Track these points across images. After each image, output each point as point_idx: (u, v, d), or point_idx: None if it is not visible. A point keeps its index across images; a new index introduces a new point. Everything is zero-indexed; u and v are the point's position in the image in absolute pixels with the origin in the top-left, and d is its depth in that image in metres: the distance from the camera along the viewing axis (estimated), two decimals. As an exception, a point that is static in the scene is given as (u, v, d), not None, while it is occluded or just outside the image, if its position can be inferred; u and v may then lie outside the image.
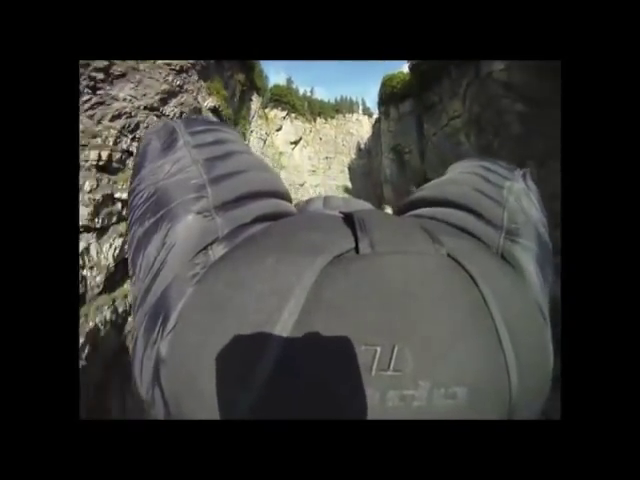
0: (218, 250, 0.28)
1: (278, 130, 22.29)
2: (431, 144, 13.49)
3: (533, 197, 0.37)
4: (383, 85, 18.00)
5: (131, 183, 0.34)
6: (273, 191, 0.34)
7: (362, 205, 0.45)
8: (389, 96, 17.15)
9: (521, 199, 0.35)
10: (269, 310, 0.23)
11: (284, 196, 0.36)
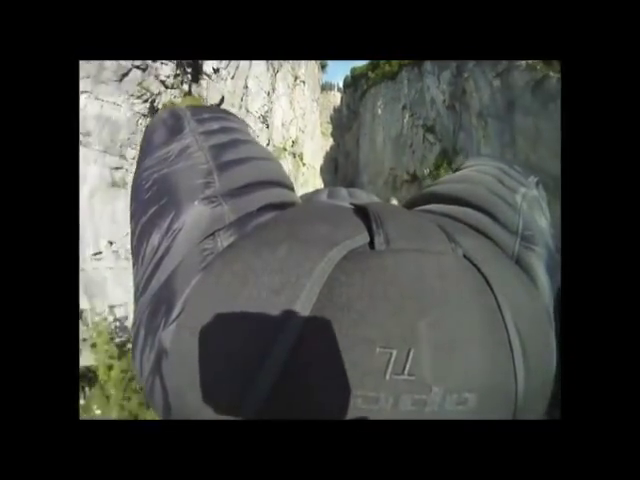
0: (225, 237, 0.27)
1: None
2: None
3: (544, 206, 0.37)
4: (344, 84, 33.50)
5: (136, 170, 0.34)
6: (278, 180, 0.34)
7: (368, 197, 0.45)
8: (345, 85, 32.09)
9: (533, 208, 0.35)
10: (279, 304, 0.22)
11: (288, 186, 0.35)
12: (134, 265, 0.30)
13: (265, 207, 0.30)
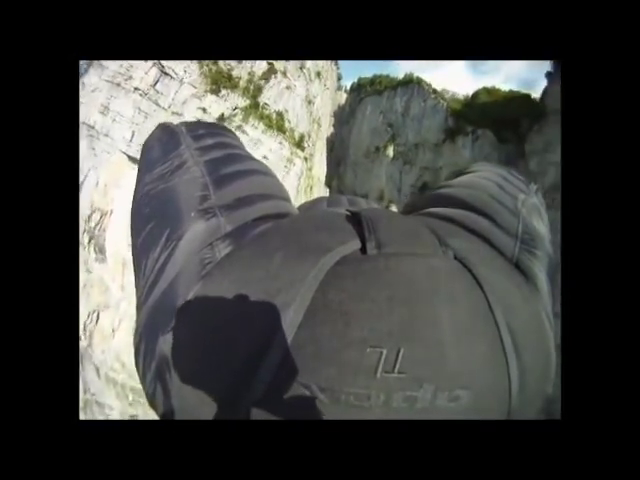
0: (223, 247, 0.28)
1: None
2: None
3: (543, 212, 0.38)
4: (350, 88, 41.17)
5: (135, 187, 0.34)
6: (272, 193, 0.35)
7: (367, 204, 0.45)
8: (351, 89, 40.32)
9: (532, 213, 0.36)
10: (275, 308, 0.23)
11: (283, 197, 0.36)
12: (136, 277, 0.31)
13: (260, 218, 0.31)
